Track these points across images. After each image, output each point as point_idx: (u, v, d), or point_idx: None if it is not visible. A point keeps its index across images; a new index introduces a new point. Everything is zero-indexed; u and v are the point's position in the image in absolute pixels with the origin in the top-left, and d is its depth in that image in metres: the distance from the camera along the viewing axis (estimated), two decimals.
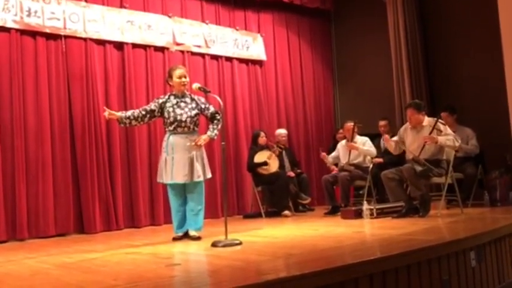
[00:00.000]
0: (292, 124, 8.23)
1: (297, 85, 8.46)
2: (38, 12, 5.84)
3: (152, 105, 4.67)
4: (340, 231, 4.63)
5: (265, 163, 6.75)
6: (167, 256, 3.75)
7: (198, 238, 4.49)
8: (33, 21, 5.81)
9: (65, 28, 6.04)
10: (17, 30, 5.71)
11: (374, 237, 4.18)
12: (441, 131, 5.33)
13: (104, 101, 6.28)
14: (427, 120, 5.48)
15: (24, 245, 5.21)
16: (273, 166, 6.79)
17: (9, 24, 5.65)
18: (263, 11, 8.13)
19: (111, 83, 6.38)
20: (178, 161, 4.51)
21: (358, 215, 5.60)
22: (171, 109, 4.60)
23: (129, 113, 4.63)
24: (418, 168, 5.20)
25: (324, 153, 6.81)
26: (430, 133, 5.28)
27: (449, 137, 5.25)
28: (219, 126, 4.72)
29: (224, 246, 3.87)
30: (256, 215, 6.78)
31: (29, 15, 5.77)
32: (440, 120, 5.40)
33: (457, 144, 5.28)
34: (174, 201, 4.66)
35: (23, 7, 5.74)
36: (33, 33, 5.86)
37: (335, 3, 8.74)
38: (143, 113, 4.62)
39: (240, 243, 3.92)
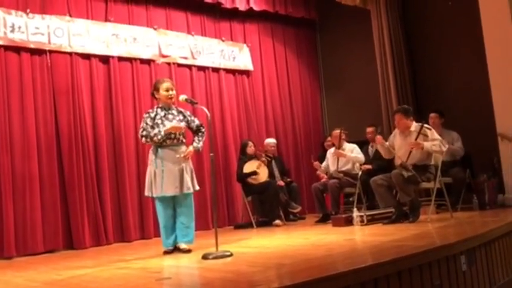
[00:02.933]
0: (280, 133, 8.24)
1: (285, 94, 8.49)
2: (22, 27, 5.82)
3: (149, 122, 4.55)
4: (331, 239, 4.62)
5: (254, 173, 6.74)
6: (158, 270, 3.71)
7: (189, 251, 4.45)
8: (17, 37, 5.78)
9: (49, 43, 6.01)
10: (0, 46, 5.67)
11: (365, 245, 4.18)
12: (427, 136, 5.36)
13: (90, 115, 6.25)
14: (414, 126, 5.50)
15: (12, 263, 5.14)
16: (263, 176, 6.78)
17: None
18: (248, 21, 8.17)
19: (97, 97, 6.35)
20: (169, 174, 4.48)
21: (349, 222, 5.61)
22: (159, 121, 4.57)
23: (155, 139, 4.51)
24: (406, 174, 5.22)
25: (316, 162, 6.82)
26: (416, 139, 5.30)
27: (435, 142, 5.27)
28: (204, 138, 4.74)
29: (215, 258, 3.84)
30: (247, 225, 6.76)
31: (12, 30, 5.74)
32: (426, 126, 5.43)
33: (443, 149, 5.31)
34: (163, 215, 4.60)
35: (6, 23, 5.71)
36: (18, 49, 5.82)
37: (320, 13, 8.81)
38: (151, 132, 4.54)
39: (231, 255, 3.90)
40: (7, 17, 5.72)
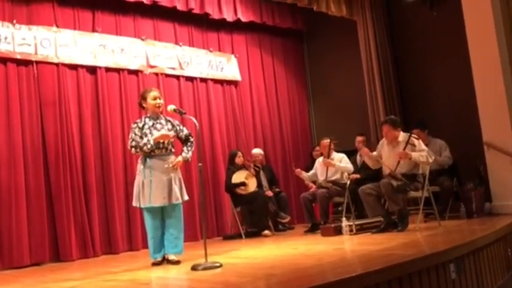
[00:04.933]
0: (269, 142, 8.25)
1: (272, 104, 8.51)
2: (8, 38, 5.78)
3: (137, 133, 4.52)
4: (321, 248, 4.61)
5: (243, 183, 6.72)
6: (146, 282, 3.68)
7: (178, 262, 4.42)
8: (4, 48, 5.73)
9: (36, 53, 5.97)
10: None
11: (354, 254, 4.18)
12: (415, 146, 5.41)
13: (77, 126, 6.21)
14: (402, 136, 5.55)
15: None
16: (251, 186, 6.77)
17: None
18: (236, 32, 8.20)
19: (84, 108, 6.31)
20: (157, 184, 4.45)
21: (338, 231, 5.61)
22: (148, 131, 4.55)
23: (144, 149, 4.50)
24: (395, 183, 5.26)
25: (298, 169, 6.84)
26: (404, 148, 5.34)
27: (422, 153, 5.34)
28: (193, 148, 4.72)
29: (204, 269, 3.81)
30: (236, 236, 6.72)
31: None
32: (413, 136, 5.48)
33: (430, 160, 5.38)
34: (151, 225, 4.55)
35: None
36: (4, 60, 5.78)
37: (307, 23, 8.87)
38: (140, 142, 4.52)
39: (220, 266, 3.88)
40: None
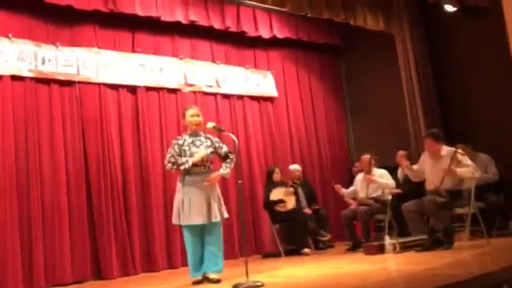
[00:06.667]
0: (306, 159, 8.15)
1: (309, 120, 8.44)
2: (51, 60, 5.93)
3: (176, 149, 4.57)
4: (364, 268, 4.49)
5: (281, 201, 6.65)
6: None
7: (218, 281, 4.38)
8: (47, 69, 5.89)
9: (78, 74, 6.11)
10: (31, 78, 5.79)
11: (399, 273, 4.05)
12: (460, 162, 5.25)
13: (118, 145, 6.30)
14: (445, 150, 5.40)
15: None
16: (290, 203, 6.68)
17: (24, 73, 5.73)
18: (272, 48, 8.19)
19: (125, 127, 6.40)
20: (196, 202, 4.45)
21: (381, 250, 5.46)
22: (187, 148, 4.58)
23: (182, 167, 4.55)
24: (440, 199, 5.10)
25: (338, 185, 6.72)
26: (450, 165, 5.19)
27: (468, 169, 5.18)
28: (232, 165, 4.69)
29: None
30: (275, 254, 6.64)
31: (43, 63, 5.86)
32: (459, 151, 5.32)
33: (476, 175, 5.22)
34: (190, 244, 4.55)
35: (37, 55, 5.83)
36: (48, 81, 5.94)
37: (343, 38, 8.78)
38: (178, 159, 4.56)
39: (262, 285, 3.81)
40: (38, 50, 5.85)
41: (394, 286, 3.42)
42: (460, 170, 5.16)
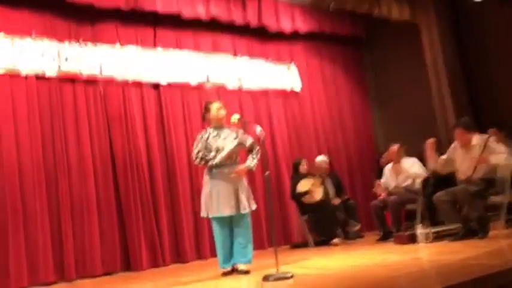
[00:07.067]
0: (332, 151, 8.04)
1: (334, 112, 8.32)
2: (74, 58, 5.95)
3: (203, 143, 4.57)
4: (396, 258, 4.39)
5: (308, 192, 6.57)
6: None
7: (248, 272, 4.35)
8: (71, 67, 5.92)
9: (101, 71, 6.11)
10: (56, 77, 5.83)
11: (433, 264, 3.95)
12: (493, 149, 5.09)
13: (143, 139, 6.32)
14: (476, 139, 5.23)
15: (72, 286, 5.20)
16: (317, 194, 6.60)
17: (48, 72, 5.78)
18: (294, 41, 8.06)
19: (149, 122, 6.41)
20: (224, 193, 4.43)
21: (412, 239, 5.34)
22: (212, 140, 4.55)
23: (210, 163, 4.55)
24: (473, 188, 4.95)
25: (378, 183, 6.55)
26: (482, 152, 5.03)
27: (502, 155, 5.01)
28: (258, 157, 4.65)
29: (276, 280, 3.70)
30: (303, 245, 6.59)
31: (66, 60, 5.88)
32: (491, 139, 5.15)
33: (511, 161, 5.02)
34: (219, 235, 4.53)
35: (60, 54, 5.86)
36: (72, 79, 5.97)
37: (367, 29, 8.58)
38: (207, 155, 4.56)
39: (292, 276, 3.75)
40: (61, 49, 5.87)
41: (427, 277, 3.31)
42: (493, 158, 5.00)
